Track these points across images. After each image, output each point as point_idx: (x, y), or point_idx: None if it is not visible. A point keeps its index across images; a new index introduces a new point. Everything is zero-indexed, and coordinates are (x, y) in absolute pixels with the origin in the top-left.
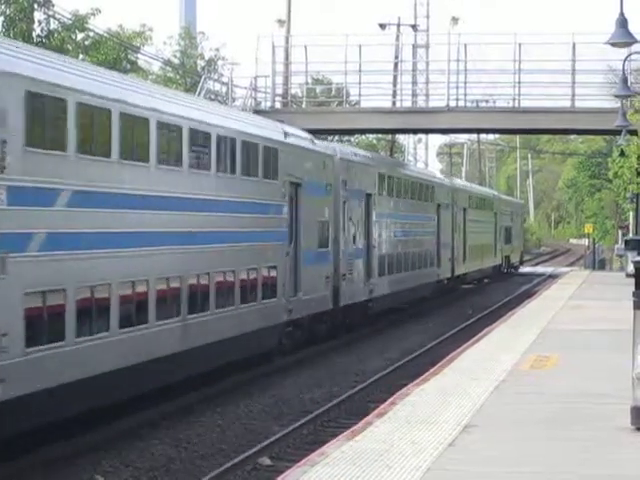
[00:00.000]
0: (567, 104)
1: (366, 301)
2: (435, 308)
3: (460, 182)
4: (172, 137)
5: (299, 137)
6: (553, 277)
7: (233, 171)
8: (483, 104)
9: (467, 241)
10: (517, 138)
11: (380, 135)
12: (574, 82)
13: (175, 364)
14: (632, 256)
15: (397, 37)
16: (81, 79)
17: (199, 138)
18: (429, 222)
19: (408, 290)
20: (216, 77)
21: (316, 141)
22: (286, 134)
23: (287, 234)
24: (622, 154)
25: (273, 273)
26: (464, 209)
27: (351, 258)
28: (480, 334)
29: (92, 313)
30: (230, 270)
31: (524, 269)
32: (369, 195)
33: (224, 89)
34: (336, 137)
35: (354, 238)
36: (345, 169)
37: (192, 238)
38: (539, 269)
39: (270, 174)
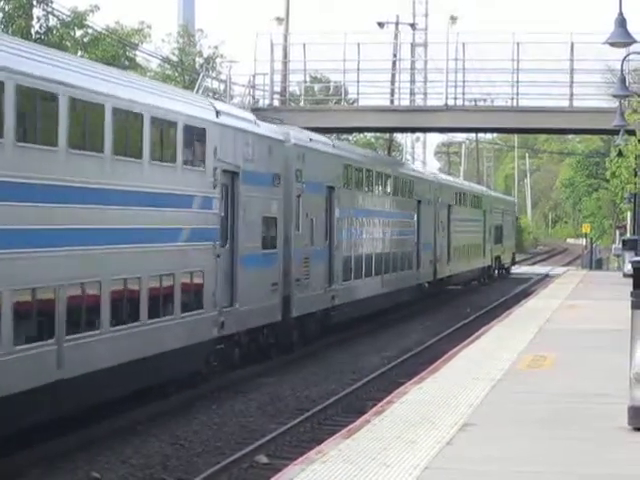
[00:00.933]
0: (565, 104)
1: (327, 310)
2: (433, 307)
3: (445, 177)
4: (44, 108)
5: (236, 117)
6: (550, 277)
7: (138, 155)
8: (481, 103)
9: (452, 241)
10: (515, 137)
11: (378, 134)
12: (572, 82)
13: (48, 397)
14: (630, 256)
15: (395, 36)
16: None
17: (87, 111)
18: (407, 220)
19: (381, 296)
20: (214, 75)
21: (262, 123)
22: (218, 112)
23: (219, 233)
24: (620, 154)
25: (198, 280)
26: (449, 206)
27: (307, 261)
28: (477, 333)
29: None
30: (134, 277)
31: (519, 269)
32: (332, 188)
33: (222, 87)
34: (334, 135)
35: (312, 238)
36: (300, 157)
37: (74, 237)
38: (536, 269)
39: (194, 160)
